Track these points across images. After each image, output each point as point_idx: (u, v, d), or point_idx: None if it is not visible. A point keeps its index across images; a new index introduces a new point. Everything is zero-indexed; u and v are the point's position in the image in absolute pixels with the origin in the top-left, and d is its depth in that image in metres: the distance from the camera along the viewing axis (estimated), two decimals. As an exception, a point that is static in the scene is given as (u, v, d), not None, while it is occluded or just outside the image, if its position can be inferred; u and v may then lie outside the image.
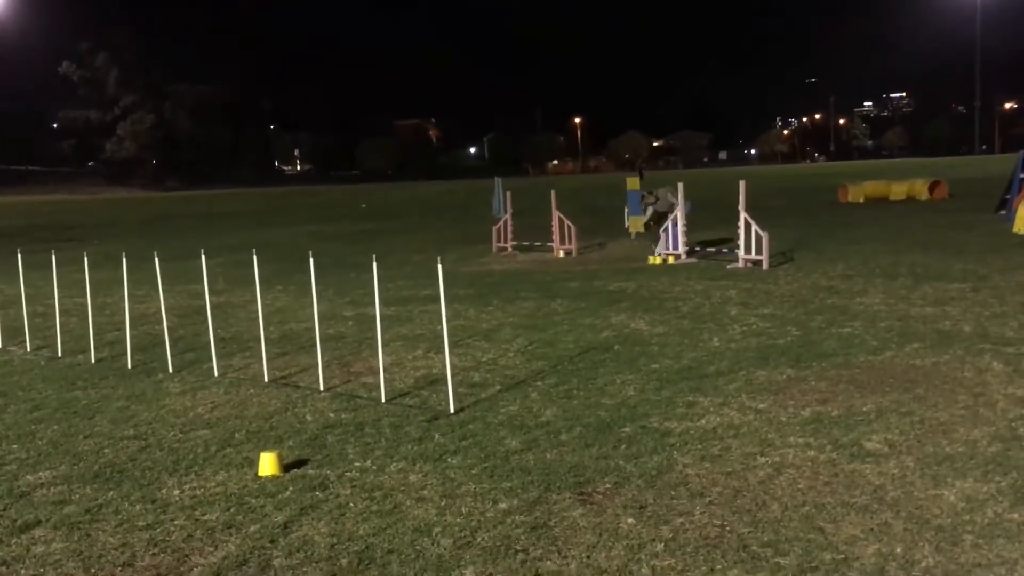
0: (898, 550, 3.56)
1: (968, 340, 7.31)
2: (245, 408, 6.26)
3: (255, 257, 7.33)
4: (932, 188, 27.67)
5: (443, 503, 4.28)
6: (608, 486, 4.41)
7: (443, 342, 6.05)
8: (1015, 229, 15.64)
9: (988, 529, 3.71)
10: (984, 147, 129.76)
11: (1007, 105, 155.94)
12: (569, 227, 16.04)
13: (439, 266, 5.99)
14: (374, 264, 6.48)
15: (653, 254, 14.08)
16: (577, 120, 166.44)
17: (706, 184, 43.60)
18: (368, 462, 4.94)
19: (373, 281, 6.48)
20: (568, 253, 15.91)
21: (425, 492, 4.44)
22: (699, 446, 4.97)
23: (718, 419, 5.48)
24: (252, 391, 6.75)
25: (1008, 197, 18.45)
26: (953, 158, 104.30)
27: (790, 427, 5.25)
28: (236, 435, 5.60)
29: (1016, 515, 3.83)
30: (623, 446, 5.02)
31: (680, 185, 14.02)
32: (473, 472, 4.70)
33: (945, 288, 9.99)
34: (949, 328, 7.83)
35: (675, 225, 13.94)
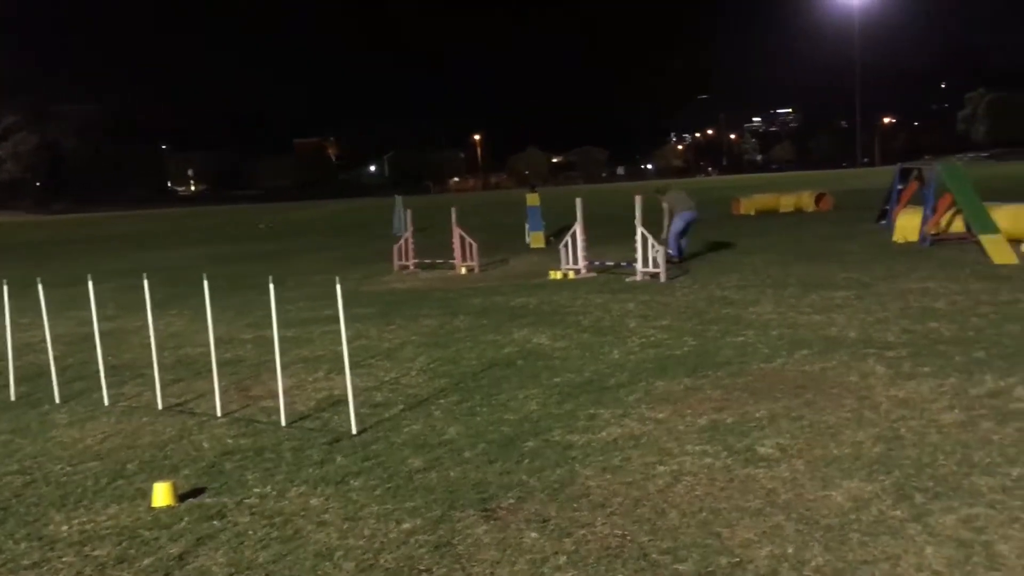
0: (790, 551, 3.68)
1: (853, 345, 7.63)
2: (138, 437, 6.06)
3: (146, 281, 7.12)
4: (818, 200, 28.78)
5: (345, 526, 4.23)
6: (511, 501, 4.43)
7: (344, 363, 5.99)
8: (895, 238, 16.40)
9: (873, 527, 3.87)
10: (866, 160, 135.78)
11: (886, 120, 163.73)
12: (470, 244, 16.08)
13: (338, 286, 5.93)
14: (271, 285, 6.37)
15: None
16: (477, 137, 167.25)
17: (606, 199, 44.36)
18: (268, 488, 4.85)
19: (272, 303, 6.36)
20: (470, 270, 15.95)
21: (327, 516, 4.38)
22: (600, 458, 5.04)
23: (619, 430, 5.57)
24: (145, 419, 6.54)
25: (888, 208, 19.32)
26: (837, 171, 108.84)
27: (688, 435, 5.37)
28: (128, 466, 5.41)
29: (899, 512, 4.01)
30: (526, 461, 5.05)
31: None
32: (376, 493, 4.66)
33: (831, 296, 10.40)
34: (835, 334, 8.15)
35: (574, 239, 14.13)
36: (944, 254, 13.91)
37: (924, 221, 15.69)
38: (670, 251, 14.67)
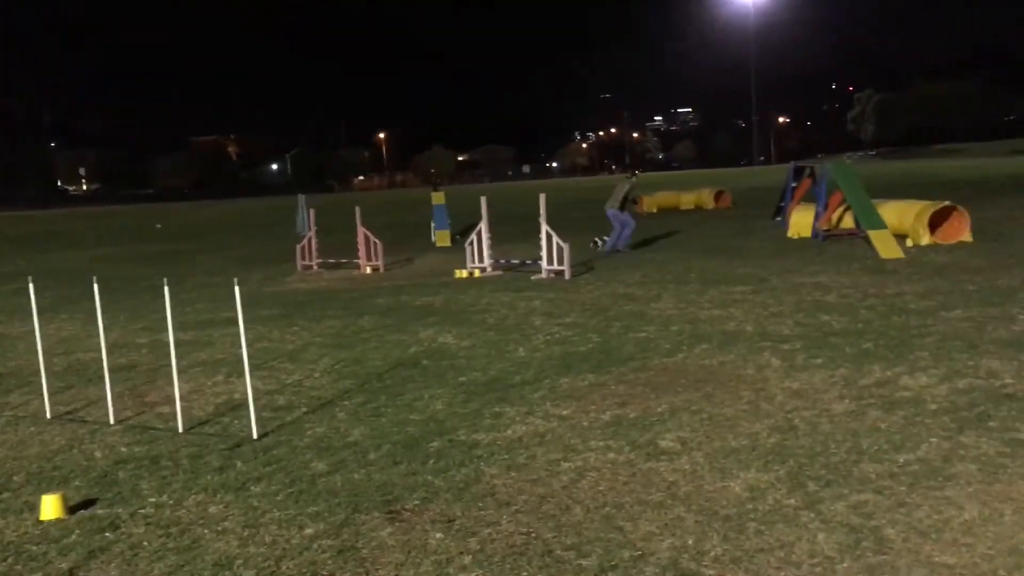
0: (690, 542, 3.76)
1: (750, 339, 7.84)
2: (25, 448, 5.80)
3: (31, 284, 6.81)
4: (717, 197, 29.52)
5: (246, 533, 4.14)
6: (417, 502, 4.40)
7: (244, 365, 5.86)
8: (789, 234, 16.94)
9: (769, 515, 3.99)
10: (762, 158, 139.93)
11: (781, 119, 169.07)
12: (375, 243, 15.93)
13: (236, 286, 5.79)
14: (166, 286, 6.17)
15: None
16: (382, 135, 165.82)
17: (511, 197, 44.53)
18: (164, 497, 4.70)
19: (167, 305, 6.16)
20: (375, 269, 15.80)
21: (227, 523, 4.28)
22: (506, 456, 5.06)
23: (524, 428, 5.59)
24: (33, 429, 6.26)
25: (783, 205, 19.94)
26: (735, 169, 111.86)
27: (592, 431, 5.44)
28: (14, 478, 5.18)
29: (793, 500, 4.14)
30: (431, 461, 5.03)
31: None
32: (278, 499, 4.57)
33: (730, 291, 10.68)
34: (733, 329, 8.37)
35: (479, 237, 14.14)
36: (835, 249, 14.43)
37: (816, 217, 16.25)
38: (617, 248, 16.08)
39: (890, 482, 4.29)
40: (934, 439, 4.87)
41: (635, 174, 17.16)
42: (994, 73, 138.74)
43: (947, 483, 4.23)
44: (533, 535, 3.93)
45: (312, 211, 17.75)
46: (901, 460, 4.58)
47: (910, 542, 3.62)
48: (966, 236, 14.21)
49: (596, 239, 17.30)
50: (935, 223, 14.47)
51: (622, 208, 16.34)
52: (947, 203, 14.69)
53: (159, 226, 41.31)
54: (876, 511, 3.95)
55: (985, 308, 8.47)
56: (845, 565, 3.47)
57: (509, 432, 5.52)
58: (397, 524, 4.14)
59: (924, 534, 3.69)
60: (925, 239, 14.08)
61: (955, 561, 3.44)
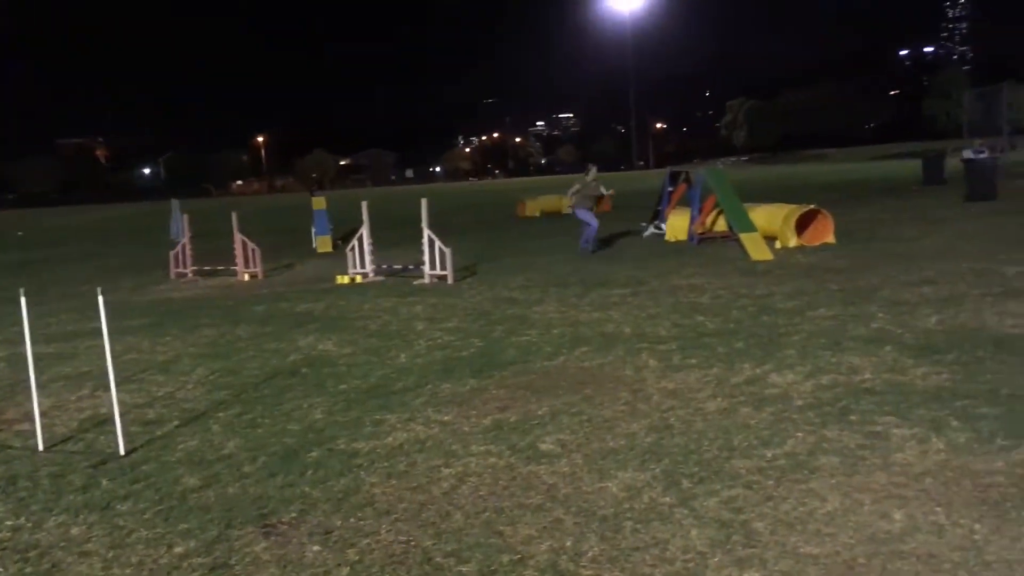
0: (568, 544, 3.80)
1: (628, 341, 8.00)
2: None
3: None
4: (598, 201, 30.04)
5: (110, 555, 3.95)
6: (293, 515, 4.30)
7: (110, 378, 5.60)
8: (666, 237, 17.39)
9: (645, 514, 4.07)
10: (641, 163, 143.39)
11: (658, 125, 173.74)
12: (253, 249, 15.54)
13: (99, 295, 5.54)
14: (22, 296, 5.85)
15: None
16: (261, 138, 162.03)
17: (395, 201, 44.22)
18: (22, 519, 4.44)
19: (24, 315, 5.84)
20: (254, 276, 15.41)
21: (89, 545, 4.08)
22: (386, 464, 5.00)
23: (405, 435, 5.55)
24: None
25: (660, 208, 20.44)
26: (615, 173, 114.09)
27: (473, 436, 5.43)
28: None
29: (668, 498, 4.23)
30: (310, 472, 4.93)
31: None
32: (146, 517, 4.38)
33: (609, 294, 10.87)
34: (612, 331, 8.52)
35: (361, 243, 13.98)
36: (710, 252, 14.89)
37: (692, 221, 16.73)
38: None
39: (759, 477, 4.44)
40: (800, 434, 5.07)
41: (592, 168, 16.72)
42: (857, 82, 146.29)
43: (811, 476, 4.40)
44: (412, 543, 3.90)
45: (186, 216, 17.17)
46: (769, 455, 4.75)
47: (777, 534, 3.76)
48: (830, 238, 14.88)
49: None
50: (801, 226, 15.11)
51: (592, 207, 16.35)
52: (812, 207, 15.35)
53: (21, 233, 39.19)
54: (746, 505, 4.09)
55: (847, 307, 8.89)
56: (716, 559, 3.57)
57: (390, 439, 5.47)
58: (272, 538, 4.03)
59: (790, 526, 3.83)
60: (792, 241, 14.67)
61: (819, 551, 3.58)
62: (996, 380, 5.87)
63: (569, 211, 16.45)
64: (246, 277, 15.39)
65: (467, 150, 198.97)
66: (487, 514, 4.18)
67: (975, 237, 14.23)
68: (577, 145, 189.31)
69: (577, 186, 16.22)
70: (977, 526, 3.70)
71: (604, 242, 17.74)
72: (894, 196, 26.64)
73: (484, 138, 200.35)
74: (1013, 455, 4.48)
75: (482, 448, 5.19)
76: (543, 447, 5.14)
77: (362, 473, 4.87)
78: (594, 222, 16.13)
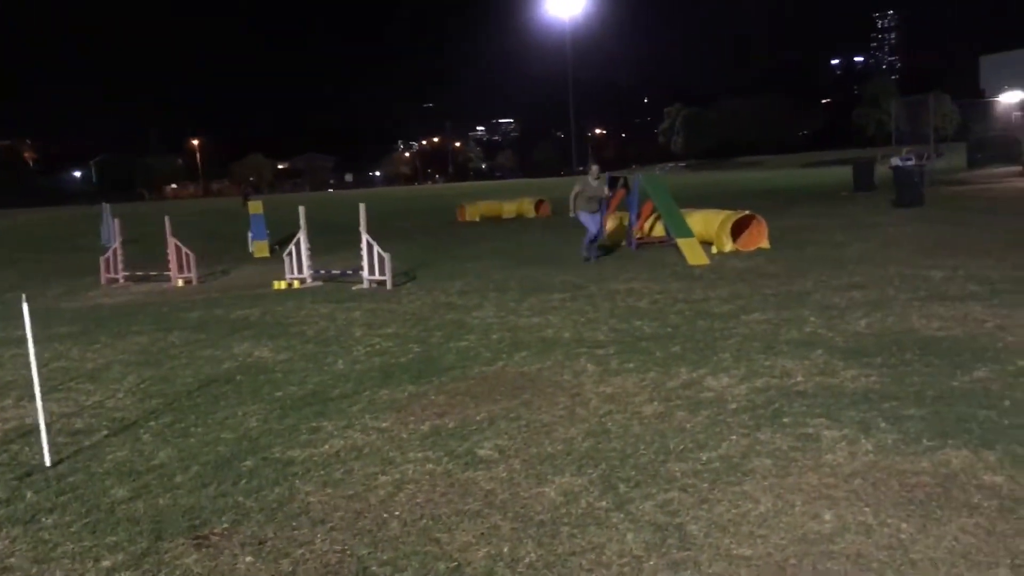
0: (505, 550, 3.80)
1: (567, 345, 8.04)
2: None
3: None
4: (538, 206, 30.18)
5: (34, 570, 3.83)
6: (226, 525, 4.22)
7: (35, 387, 5.44)
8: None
9: (581, 518, 4.08)
10: (581, 168, 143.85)
11: (598, 131, 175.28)
12: (187, 254, 15.24)
13: (24, 302, 5.38)
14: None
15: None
16: (196, 141, 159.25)
17: (334, 206, 43.85)
18: (-60, 536, 4.28)
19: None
20: (188, 282, 15.12)
21: (12, 560, 3.95)
22: (322, 472, 4.94)
23: (342, 442, 5.49)
24: None
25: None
26: (556, 178, 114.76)
27: (410, 443, 5.40)
28: None
29: (604, 503, 4.26)
30: (243, 481, 4.84)
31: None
32: (72, 530, 4.26)
33: (548, 299, 10.91)
34: (552, 336, 8.55)
35: (298, 248, 13.81)
36: (647, 256, 15.04)
37: (630, 226, 16.89)
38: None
39: (694, 480, 4.49)
40: (734, 436, 5.14)
41: (594, 167, 14.89)
42: (791, 90, 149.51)
43: (745, 478, 4.47)
44: (348, 552, 3.86)
45: (118, 221, 16.78)
46: (704, 458, 4.81)
47: (711, 536, 3.80)
48: (764, 243, 15.16)
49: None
50: (737, 231, 15.36)
51: (597, 210, 14.70)
52: (747, 212, 15.62)
53: (-57, 237, 37.88)
54: (681, 508, 4.13)
55: (780, 311, 9.05)
56: (651, 563, 3.60)
57: (326, 447, 5.40)
58: (204, 550, 3.95)
59: (724, 528, 3.88)
60: (728, 246, 14.91)
61: (751, 553, 3.63)
62: (922, 382, 6.03)
63: (573, 216, 14.71)
64: (180, 283, 15.09)
65: (407, 155, 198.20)
66: (424, 521, 4.16)
67: (903, 242, 14.62)
68: (517, 150, 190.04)
69: (577, 188, 14.62)
70: (904, 525, 3.79)
71: (543, 246, 17.77)
72: (826, 202, 27.24)
73: (424, 143, 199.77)
74: (938, 455, 4.60)
75: (420, 455, 5.16)
76: (481, 453, 5.13)
77: (297, 482, 4.80)
78: (593, 227, 14.65)
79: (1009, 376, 6.04)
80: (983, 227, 16.33)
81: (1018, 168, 35.98)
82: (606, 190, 14.95)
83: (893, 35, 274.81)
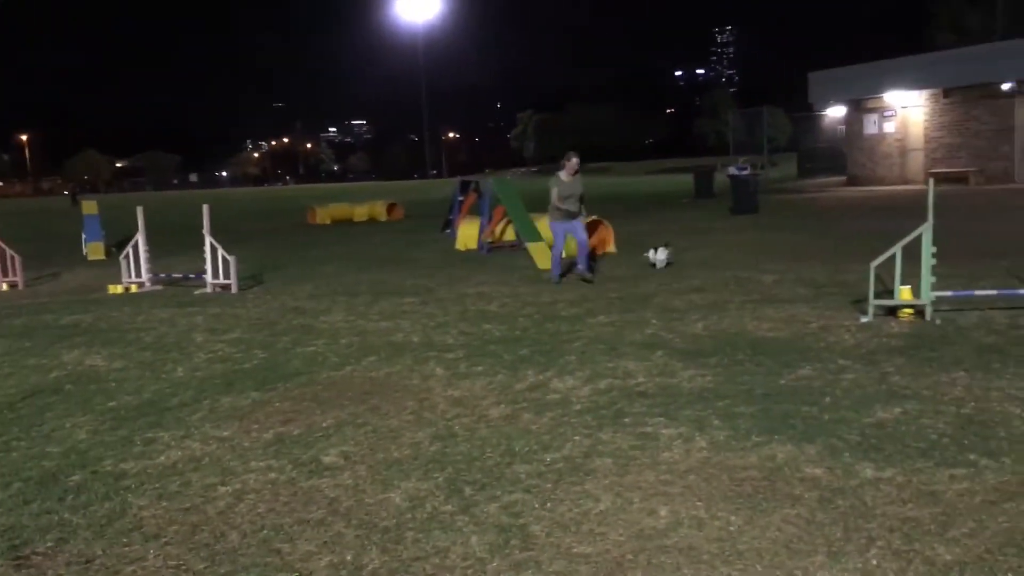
0: (348, 557, 3.75)
1: (417, 349, 8.02)
2: None
3: None
4: (390, 210, 29.99)
5: None
6: (50, 544, 3.99)
7: None
8: (457, 246, 17.60)
9: (426, 523, 4.09)
10: (434, 172, 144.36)
11: (451, 134, 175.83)
12: (13, 256, 14.31)
13: None
14: None
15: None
16: (24, 136, 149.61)
17: (177, 207, 42.16)
18: None
19: None
20: (13, 286, 14.19)
21: None
22: (157, 485, 4.74)
23: (179, 453, 5.28)
24: None
25: (451, 218, 20.70)
26: (408, 181, 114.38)
27: (253, 452, 5.26)
28: None
29: (449, 506, 4.27)
30: (70, 497, 4.59)
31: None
32: None
33: (399, 303, 10.86)
34: (401, 340, 8.52)
35: (136, 250, 13.21)
36: (498, 260, 15.20)
37: (481, 230, 17.03)
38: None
39: (538, 481, 4.57)
40: (577, 437, 5.27)
41: (573, 157, 11.89)
42: (637, 99, 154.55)
43: (587, 477, 4.59)
44: (183, 567, 3.72)
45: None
46: (548, 459, 4.90)
47: (553, 536, 3.89)
48: (611, 248, 15.59)
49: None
50: (585, 236, 15.72)
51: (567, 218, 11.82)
52: (594, 218, 16.02)
53: None
54: (524, 510, 4.20)
55: (624, 314, 9.34)
56: (495, 564, 3.64)
57: (162, 459, 5.19)
58: (24, 571, 3.72)
59: (565, 527, 3.97)
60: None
61: (591, 550, 3.73)
62: (752, 381, 6.36)
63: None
64: (4, 287, 14.15)
65: (255, 155, 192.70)
66: (265, 532, 4.06)
67: (738, 247, 15.36)
68: (370, 152, 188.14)
69: (555, 189, 11.68)
70: (733, 518, 3.99)
71: (395, 250, 17.63)
72: (669, 208, 28.30)
73: (273, 143, 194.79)
74: (765, 450, 4.86)
75: (262, 463, 5.03)
76: (326, 460, 5.05)
77: (129, 496, 4.59)
78: (560, 241, 11.95)
79: (830, 374, 6.45)
80: (811, 233, 17.36)
81: (843, 178, 38.46)
82: (580, 188, 11.84)
83: (732, 49, 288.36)
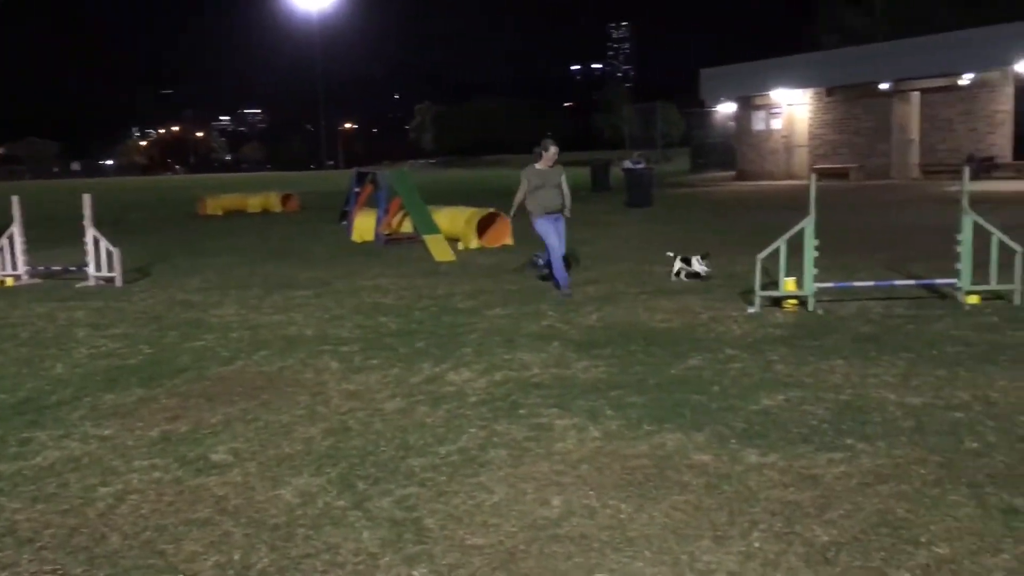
0: (236, 557, 3.66)
1: (310, 343, 7.89)
2: None
3: None
4: (285, 201, 29.38)
5: None
6: (-87, 553, 3.77)
7: None
8: (353, 238, 17.38)
9: (318, 519, 4.03)
10: (331, 162, 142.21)
11: (348, 125, 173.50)
12: None
13: None
14: None
15: None
16: None
17: (58, 196, 40.38)
18: None
19: None
20: None
21: None
22: (32, 487, 4.53)
23: (57, 453, 5.06)
24: None
25: (347, 209, 20.39)
26: (304, 172, 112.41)
27: (137, 451, 5.08)
28: None
29: (342, 502, 4.22)
30: (-63, 502, 4.34)
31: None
32: None
33: (293, 295, 10.66)
34: (295, 333, 8.36)
35: (12, 242, 12.57)
36: (395, 253, 15.07)
37: (378, 222, 16.85)
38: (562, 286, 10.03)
39: (433, 474, 4.56)
40: (473, 429, 5.27)
41: (550, 145, 10.07)
42: (536, 93, 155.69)
43: (481, 469, 4.60)
44: (60, 573, 3.56)
45: None
46: (443, 452, 4.89)
47: (447, 528, 3.88)
48: (509, 240, 15.66)
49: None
50: (482, 228, 15.76)
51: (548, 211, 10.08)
52: (493, 210, 16.06)
53: None
54: (419, 503, 4.18)
55: (521, 306, 9.39)
56: (387, 559, 3.61)
57: (39, 459, 4.96)
58: None
59: (459, 519, 3.97)
60: (474, 243, 15.27)
61: (484, 542, 3.74)
62: (645, 371, 6.49)
63: (516, 217, 10.78)
64: None
65: (143, 143, 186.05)
66: (148, 533, 3.93)
67: (633, 240, 15.64)
68: (265, 142, 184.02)
69: (526, 181, 10.09)
70: (623, 506, 4.06)
71: (289, 242, 17.29)
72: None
73: (163, 131, 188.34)
74: (655, 439, 4.97)
75: (146, 463, 4.86)
76: (214, 457, 4.92)
77: (3, 499, 4.37)
78: (553, 241, 10.00)
79: (719, 363, 6.63)
80: (702, 226, 17.82)
81: (733, 173, 39.60)
82: (563, 180, 10.14)
83: (627, 45, 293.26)
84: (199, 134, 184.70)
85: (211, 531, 3.93)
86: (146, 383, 6.64)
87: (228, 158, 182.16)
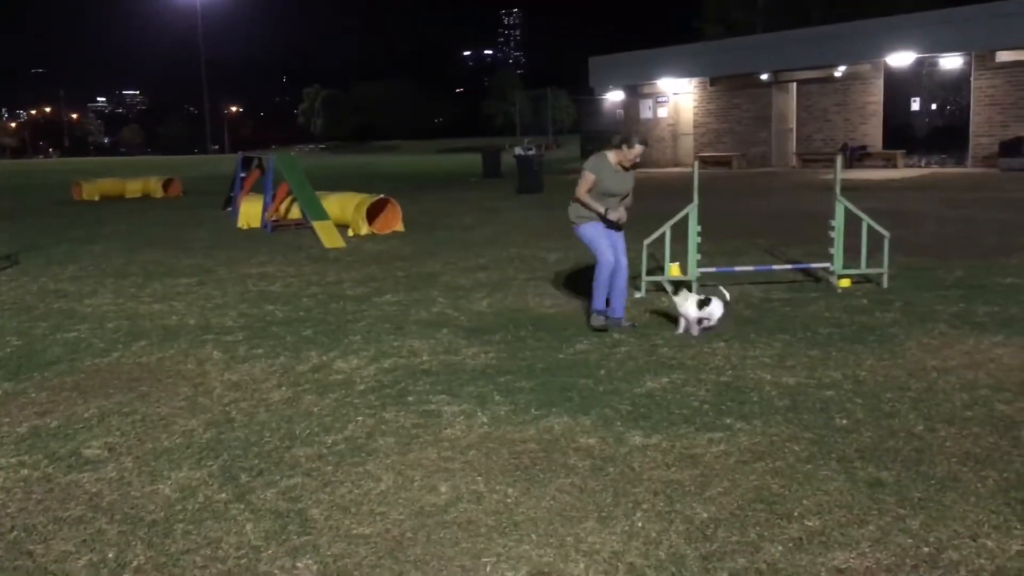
0: (111, 555, 3.53)
1: (192, 332, 7.65)
2: None
3: None
4: (166, 186, 28.36)
5: None
6: None
7: None
8: (239, 224, 16.93)
9: (198, 514, 3.91)
10: (216, 147, 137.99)
11: (234, 108, 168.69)
12: None
13: None
14: None
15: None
16: None
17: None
18: None
19: None
20: None
21: None
22: None
23: (-86, 453, 4.77)
24: None
25: (233, 195, 19.84)
26: (188, 156, 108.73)
27: (3, 447, 4.83)
28: None
29: (224, 495, 4.11)
30: None
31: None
32: None
33: (174, 283, 10.31)
34: (175, 323, 8.09)
35: None
36: (283, 239, 14.76)
37: (265, 208, 16.46)
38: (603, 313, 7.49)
39: (319, 464, 4.49)
40: (360, 417, 5.22)
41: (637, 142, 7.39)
42: (426, 78, 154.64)
43: (368, 458, 4.55)
44: (-84, 579, 3.36)
45: None
46: (330, 441, 4.82)
47: (332, 519, 3.83)
48: (399, 227, 15.53)
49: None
50: (372, 215, 15.57)
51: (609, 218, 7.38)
52: (383, 196, 15.89)
53: None
54: (303, 494, 4.11)
55: (411, 293, 9.33)
56: (270, 551, 3.54)
57: None
58: None
59: (345, 509, 3.92)
60: (364, 229, 15.07)
61: (371, 531, 3.71)
62: (534, 356, 6.54)
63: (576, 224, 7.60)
64: None
65: (12, 125, 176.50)
66: (15, 533, 3.74)
67: (523, 226, 15.73)
68: (145, 125, 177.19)
69: (592, 176, 7.31)
70: (511, 490, 4.09)
71: (171, 228, 16.72)
72: (456, 187, 28.53)
73: (34, 112, 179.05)
74: (542, 423, 5.02)
75: (13, 459, 4.63)
76: (88, 453, 4.72)
77: None
78: (606, 252, 7.34)
79: (605, 348, 6.74)
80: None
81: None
82: (631, 185, 7.63)
83: (518, 32, 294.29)
84: (74, 116, 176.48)
85: (83, 529, 3.77)
86: (13, 376, 6.32)
87: (105, 141, 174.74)
